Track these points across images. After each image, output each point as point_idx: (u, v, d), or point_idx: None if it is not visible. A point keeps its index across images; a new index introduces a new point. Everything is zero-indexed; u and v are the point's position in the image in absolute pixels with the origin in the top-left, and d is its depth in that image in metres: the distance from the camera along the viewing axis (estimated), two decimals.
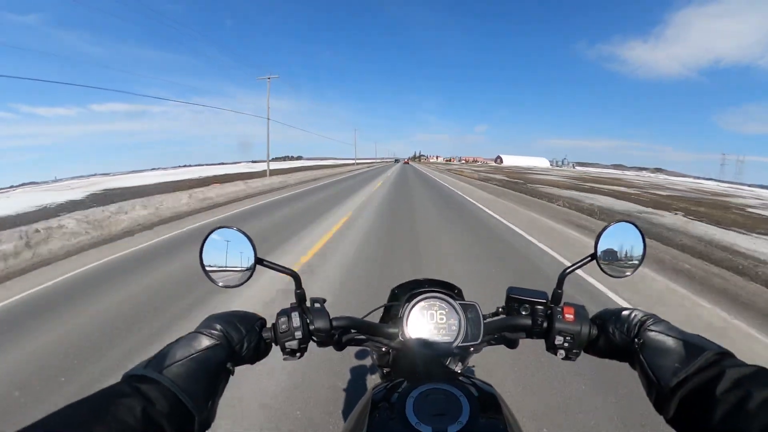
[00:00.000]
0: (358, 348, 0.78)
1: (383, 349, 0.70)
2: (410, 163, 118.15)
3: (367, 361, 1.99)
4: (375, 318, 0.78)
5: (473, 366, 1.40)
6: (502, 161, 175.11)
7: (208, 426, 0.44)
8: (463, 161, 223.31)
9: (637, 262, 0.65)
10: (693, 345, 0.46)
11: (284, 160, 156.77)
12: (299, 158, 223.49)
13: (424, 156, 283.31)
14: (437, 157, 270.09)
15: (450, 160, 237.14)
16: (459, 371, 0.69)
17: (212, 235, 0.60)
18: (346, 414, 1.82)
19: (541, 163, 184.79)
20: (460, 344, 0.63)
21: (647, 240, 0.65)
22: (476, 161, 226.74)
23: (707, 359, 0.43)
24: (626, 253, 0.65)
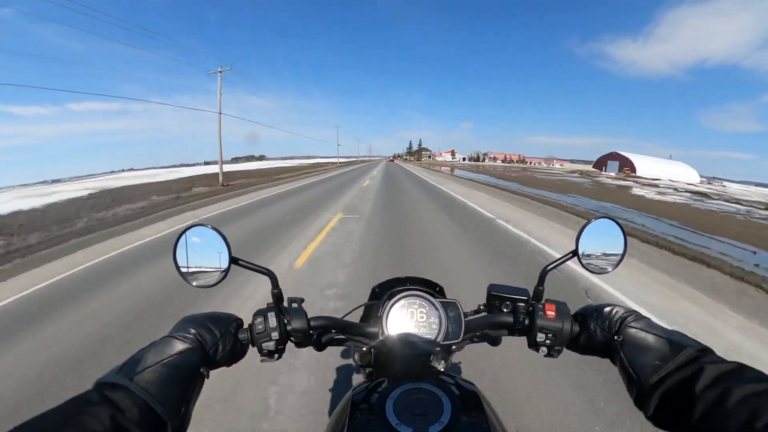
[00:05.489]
0: (341, 348, 0.75)
1: (364, 348, 0.68)
2: (397, 162, 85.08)
3: (352, 360, 1.66)
4: (355, 317, 0.77)
5: (459, 362, 1.58)
6: (633, 171, 63.61)
7: None
8: (493, 159, 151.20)
9: (617, 258, 0.64)
10: (673, 342, 0.46)
11: (246, 161, 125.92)
12: (261, 158, 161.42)
13: (426, 150, 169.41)
14: (454, 154, 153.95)
15: (478, 159, 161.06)
16: (442, 370, 0.66)
17: (186, 234, 0.58)
18: (330, 414, 1.66)
19: (684, 172, 65.66)
20: (441, 342, 0.63)
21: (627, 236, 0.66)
22: (521, 161, 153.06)
23: (687, 356, 0.43)
24: (607, 249, 0.65)
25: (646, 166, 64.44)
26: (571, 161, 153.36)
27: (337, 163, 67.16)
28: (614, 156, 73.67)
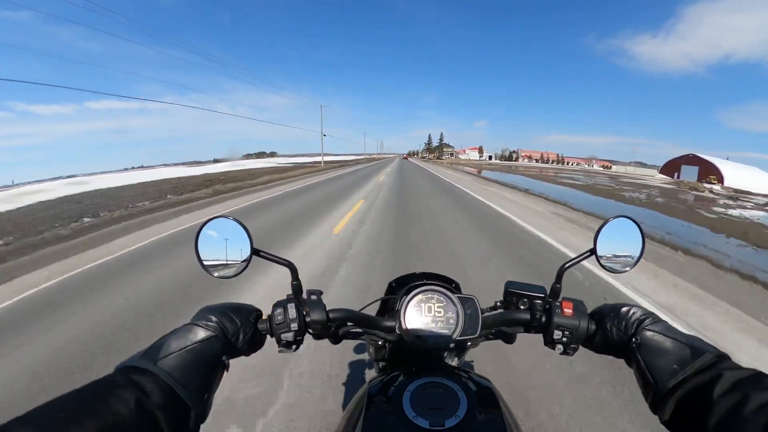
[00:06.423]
0: (355, 343, 0.76)
1: (380, 342, 0.69)
2: (412, 160, 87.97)
3: (366, 355, 1.86)
4: (372, 311, 0.77)
5: (472, 361, 1.46)
6: (720, 179, 43.92)
7: (203, 419, 0.43)
8: (525, 158, 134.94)
9: (635, 257, 0.65)
10: (691, 347, 0.46)
11: (257, 158, 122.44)
12: (273, 154, 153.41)
13: (448, 147, 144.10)
14: (482, 152, 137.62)
15: (510, 158, 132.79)
16: (456, 366, 0.67)
17: (208, 226, 0.59)
18: (344, 408, 1.73)
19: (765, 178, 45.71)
20: (457, 338, 0.62)
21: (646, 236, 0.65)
22: (560, 161, 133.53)
23: (705, 362, 0.43)
24: (625, 248, 0.65)
25: (732, 173, 46.64)
26: (612, 162, 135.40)
27: (320, 164, 35.77)
28: (692, 159, 55.74)
